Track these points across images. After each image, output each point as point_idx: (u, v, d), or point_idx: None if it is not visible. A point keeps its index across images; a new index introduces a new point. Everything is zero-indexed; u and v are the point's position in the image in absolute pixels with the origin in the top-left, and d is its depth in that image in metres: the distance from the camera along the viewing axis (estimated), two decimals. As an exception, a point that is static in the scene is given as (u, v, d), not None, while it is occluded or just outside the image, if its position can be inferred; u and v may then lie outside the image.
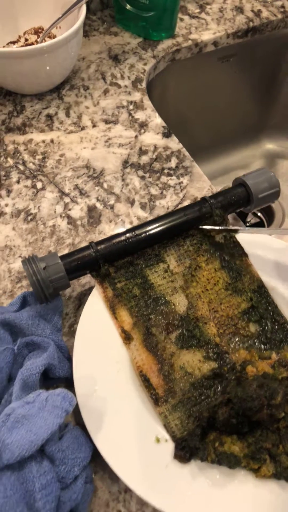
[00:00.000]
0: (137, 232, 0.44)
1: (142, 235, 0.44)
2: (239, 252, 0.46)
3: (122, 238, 0.44)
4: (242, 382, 0.37)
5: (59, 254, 0.45)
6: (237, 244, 0.47)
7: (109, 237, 0.44)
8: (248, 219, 0.99)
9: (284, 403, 0.36)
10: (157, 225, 0.45)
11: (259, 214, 0.97)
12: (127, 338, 0.41)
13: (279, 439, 0.35)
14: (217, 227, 0.46)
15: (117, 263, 0.44)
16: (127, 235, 0.44)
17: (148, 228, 0.45)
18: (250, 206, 0.48)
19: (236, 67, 0.86)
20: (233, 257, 0.45)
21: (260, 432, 0.36)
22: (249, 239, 0.47)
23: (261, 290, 0.45)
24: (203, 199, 0.46)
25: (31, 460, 0.32)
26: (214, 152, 0.97)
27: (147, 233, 0.44)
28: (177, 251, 0.46)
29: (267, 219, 0.97)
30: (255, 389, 0.35)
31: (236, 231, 0.47)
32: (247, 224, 0.97)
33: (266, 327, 0.43)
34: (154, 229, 0.45)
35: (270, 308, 0.44)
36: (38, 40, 0.68)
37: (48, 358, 0.38)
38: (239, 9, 0.82)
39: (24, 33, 0.70)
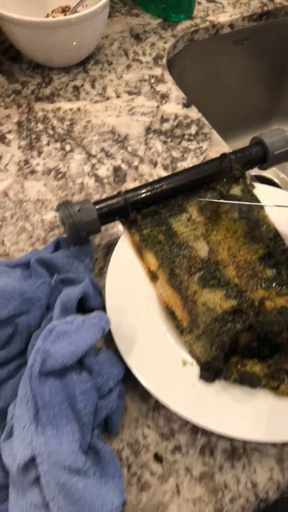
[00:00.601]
0: (163, 183, 0.48)
1: (167, 186, 0.48)
2: (256, 204, 0.49)
3: (149, 188, 0.47)
4: (260, 313, 0.41)
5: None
6: (255, 197, 0.50)
7: (137, 187, 0.48)
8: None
9: (301, 329, 0.39)
10: (180, 177, 0.48)
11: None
12: (153, 277, 0.45)
13: (297, 361, 0.39)
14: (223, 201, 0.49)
15: (144, 211, 0.48)
16: (154, 185, 0.47)
17: (173, 179, 0.48)
18: (266, 164, 0.51)
19: (250, 51, 0.90)
20: (251, 209, 0.49)
21: (279, 355, 0.39)
22: (266, 193, 0.50)
23: (276, 238, 0.48)
24: (223, 154, 0.50)
25: (71, 370, 0.36)
26: (225, 134, 1.01)
27: (172, 184, 0.48)
28: (198, 202, 0.49)
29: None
30: (275, 314, 0.39)
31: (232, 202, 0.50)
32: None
33: (282, 271, 0.46)
34: (178, 180, 0.48)
35: (285, 254, 0.47)
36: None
37: (85, 287, 0.41)
38: (255, -6, 0.86)
39: (52, 12, 0.74)
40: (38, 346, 0.36)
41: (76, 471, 0.31)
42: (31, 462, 0.33)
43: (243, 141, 1.04)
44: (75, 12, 0.73)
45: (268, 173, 1.01)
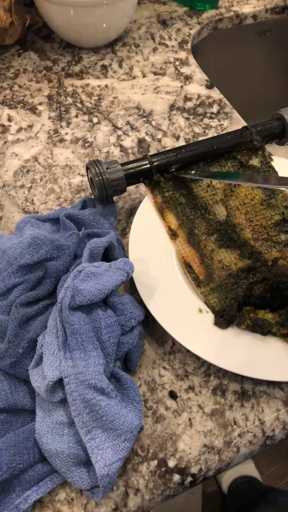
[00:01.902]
0: (186, 149, 0.51)
1: (190, 152, 0.51)
2: (274, 175, 0.52)
3: (174, 153, 0.50)
4: (275, 267, 0.44)
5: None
6: (272, 169, 0.53)
7: (161, 152, 0.51)
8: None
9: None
10: (203, 145, 0.51)
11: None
12: (173, 235, 0.48)
13: (307, 313, 0.42)
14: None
15: (167, 175, 0.51)
16: (178, 151, 0.50)
17: (196, 146, 0.51)
18: (286, 138, 0.54)
19: (271, 42, 0.93)
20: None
21: (290, 306, 0.42)
22: (283, 166, 0.53)
23: (291, 206, 0.51)
24: (245, 127, 0.53)
25: (97, 307, 0.39)
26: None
27: (195, 151, 0.51)
28: (219, 170, 0.52)
29: None
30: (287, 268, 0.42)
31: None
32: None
33: (295, 237, 0.49)
34: (200, 148, 0.51)
35: (299, 222, 0.50)
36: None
37: (110, 238, 0.44)
38: (278, -12, 0.89)
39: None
40: (68, 284, 0.39)
41: (100, 390, 0.34)
42: (58, 384, 0.36)
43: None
44: None
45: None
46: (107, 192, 0.47)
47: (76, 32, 0.70)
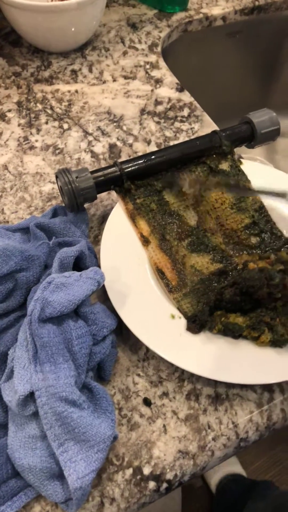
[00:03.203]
0: (156, 155, 0.51)
1: (159, 159, 0.51)
2: (243, 178, 0.53)
3: (143, 160, 0.50)
4: (245, 270, 0.44)
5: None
6: (242, 172, 0.53)
7: (132, 158, 0.51)
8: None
9: (281, 286, 0.42)
10: (173, 150, 0.51)
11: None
12: (145, 241, 0.48)
13: (277, 314, 0.42)
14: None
15: (138, 182, 0.51)
16: (148, 157, 0.51)
17: (165, 153, 0.51)
18: (254, 142, 0.54)
19: (242, 44, 0.94)
20: (238, 183, 0.52)
21: (260, 309, 0.42)
22: (252, 169, 0.54)
23: (261, 210, 0.51)
24: (214, 131, 0.53)
25: (68, 318, 0.39)
26: (217, 122, 1.04)
27: (164, 157, 0.51)
28: (189, 176, 0.52)
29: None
30: (256, 272, 0.42)
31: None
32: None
33: (265, 239, 0.50)
34: (170, 154, 0.51)
35: (269, 224, 0.51)
36: (65, 4, 0.75)
37: (81, 247, 0.44)
38: (247, -11, 0.90)
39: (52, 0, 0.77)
40: (37, 296, 0.39)
41: (72, 402, 0.34)
42: (30, 398, 0.36)
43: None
44: (74, 0, 0.76)
45: (257, 163, 1.05)
46: (77, 200, 0.47)
47: (44, 37, 0.69)
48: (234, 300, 0.42)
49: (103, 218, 0.53)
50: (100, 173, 0.49)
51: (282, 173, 0.54)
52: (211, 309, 0.43)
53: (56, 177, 0.48)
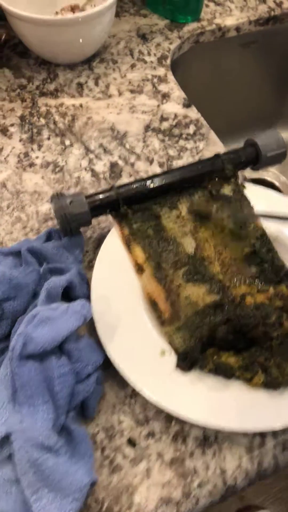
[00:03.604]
0: (155, 179, 0.49)
1: (159, 183, 0.49)
2: (246, 204, 0.51)
3: (141, 184, 0.49)
4: (240, 308, 0.42)
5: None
6: (245, 197, 0.51)
7: (129, 182, 0.49)
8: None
9: (278, 324, 0.40)
10: (173, 174, 0.50)
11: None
12: (139, 269, 0.46)
13: (271, 355, 0.40)
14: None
15: (135, 206, 0.49)
16: (146, 181, 0.49)
17: (165, 177, 0.49)
18: (259, 165, 0.52)
19: (256, 54, 0.91)
20: (240, 208, 0.50)
21: (254, 348, 0.40)
22: (256, 194, 0.51)
23: (263, 238, 0.49)
24: (216, 155, 0.51)
25: (51, 354, 0.38)
26: (229, 137, 1.02)
27: (164, 181, 0.49)
28: (189, 200, 0.50)
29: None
30: (252, 309, 0.40)
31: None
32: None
33: (266, 270, 0.47)
34: (170, 178, 0.50)
35: (270, 254, 0.48)
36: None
37: (71, 276, 0.43)
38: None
39: (61, 10, 0.76)
40: (20, 330, 0.37)
41: (47, 448, 0.33)
42: (6, 439, 0.34)
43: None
44: (83, 11, 0.74)
45: (269, 176, 1.02)
46: (70, 226, 0.46)
47: (50, 49, 0.68)
48: (227, 338, 0.40)
49: (100, 241, 0.52)
50: (95, 197, 0.48)
51: (287, 198, 0.51)
52: (203, 345, 0.42)
53: (51, 201, 0.47)
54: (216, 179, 0.51)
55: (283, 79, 0.99)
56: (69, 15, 0.74)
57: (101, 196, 0.48)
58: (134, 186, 0.49)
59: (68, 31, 0.64)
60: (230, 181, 0.52)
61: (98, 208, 0.48)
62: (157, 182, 0.49)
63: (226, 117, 1.00)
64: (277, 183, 1.03)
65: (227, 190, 0.51)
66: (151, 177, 0.49)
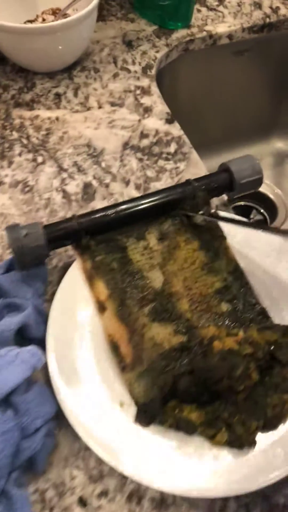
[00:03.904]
0: (120, 208, 0.46)
1: (124, 212, 0.46)
2: (218, 234, 0.47)
3: (105, 213, 0.45)
4: (207, 355, 0.39)
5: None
6: (218, 227, 0.48)
7: (92, 211, 0.46)
8: (252, 216, 1.00)
9: (244, 376, 0.37)
10: (140, 203, 0.46)
11: (262, 210, 0.97)
12: (101, 307, 0.43)
13: (236, 410, 0.37)
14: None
15: (99, 237, 0.46)
16: (110, 210, 0.45)
17: (131, 205, 0.46)
18: (233, 192, 0.49)
19: (250, 62, 0.87)
20: (213, 239, 0.47)
21: (219, 402, 0.37)
22: (232, 224, 0.48)
23: (236, 272, 0.46)
24: (187, 181, 0.48)
25: (-5, 407, 0.35)
26: (223, 146, 0.98)
27: (130, 210, 0.46)
28: (158, 230, 0.47)
29: (270, 216, 0.98)
30: (217, 361, 0.37)
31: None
32: (250, 221, 0.97)
33: (237, 307, 0.44)
34: (136, 206, 0.46)
35: (243, 289, 0.45)
36: (54, 20, 0.70)
37: (24, 317, 0.40)
38: (257, 5, 0.83)
39: (42, 13, 0.72)
40: None
41: (-20, 519, 0.30)
42: None
43: (239, 154, 1.01)
44: (65, 15, 0.71)
45: (263, 188, 0.99)
46: (25, 260, 0.42)
47: (26, 58, 0.65)
48: (190, 390, 0.37)
49: (65, 271, 0.48)
50: (54, 228, 0.44)
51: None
52: (165, 397, 0.39)
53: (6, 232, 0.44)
54: (188, 207, 0.48)
55: (278, 88, 0.95)
56: (44, 23, 0.70)
57: (60, 226, 0.44)
58: (98, 215, 0.45)
59: (45, 39, 0.60)
60: (202, 209, 0.48)
61: (57, 239, 0.44)
62: (122, 212, 0.46)
63: (217, 126, 0.96)
64: (271, 196, 1.00)
65: (199, 219, 0.48)
66: (117, 205, 0.46)
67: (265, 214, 0.98)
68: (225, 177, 0.48)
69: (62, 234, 0.44)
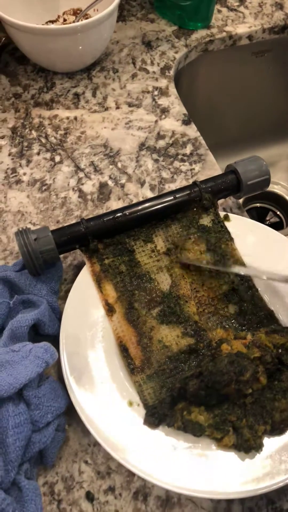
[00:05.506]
0: (127, 211, 0.46)
1: (132, 215, 0.46)
2: (225, 236, 0.48)
3: (112, 216, 0.46)
4: (215, 358, 0.39)
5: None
6: (225, 229, 0.48)
7: (100, 214, 0.46)
8: (268, 218, 0.99)
9: (252, 380, 0.38)
10: (147, 205, 0.47)
11: (278, 212, 0.97)
12: (110, 310, 0.44)
13: (244, 414, 0.37)
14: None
15: (107, 240, 0.46)
16: (118, 214, 0.46)
17: (138, 208, 0.46)
18: (240, 193, 0.49)
19: (270, 63, 0.86)
20: (219, 241, 0.47)
21: (227, 405, 0.38)
22: (242, 227, 0.48)
23: (243, 274, 0.46)
24: (194, 183, 0.48)
25: (8, 401, 0.36)
26: (240, 147, 0.98)
27: (137, 214, 0.46)
28: (165, 233, 0.47)
29: (286, 218, 0.98)
30: (225, 364, 0.37)
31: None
32: (267, 223, 0.97)
33: (245, 310, 0.45)
34: (144, 210, 0.46)
35: (250, 292, 0.45)
36: (75, 20, 0.71)
37: (39, 314, 0.41)
38: (279, 5, 0.82)
39: (63, 13, 0.73)
40: (-23, 374, 0.36)
41: (-9, 509, 0.31)
42: None
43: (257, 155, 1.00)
44: (86, 15, 0.71)
45: (279, 190, 0.98)
46: (35, 263, 0.43)
47: (47, 58, 0.65)
48: (198, 394, 0.38)
49: (80, 270, 0.49)
50: (63, 232, 0.45)
51: (275, 232, 0.48)
52: (173, 399, 0.39)
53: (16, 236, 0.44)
54: (195, 209, 0.48)
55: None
56: (66, 24, 0.71)
57: (69, 231, 0.45)
58: (105, 219, 0.46)
59: (66, 39, 0.61)
60: (209, 211, 0.48)
61: (66, 243, 0.45)
62: (130, 215, 0.46)
63: (236, 127, 0.96)
64: (287, 197, 0.99)
65: (206, 221, 0.48)
66: (124, 208, 0.46)
67: (281, 216, 0.97)
68: (232, 178, 0.48)
69: (70, 239, 0.45)
